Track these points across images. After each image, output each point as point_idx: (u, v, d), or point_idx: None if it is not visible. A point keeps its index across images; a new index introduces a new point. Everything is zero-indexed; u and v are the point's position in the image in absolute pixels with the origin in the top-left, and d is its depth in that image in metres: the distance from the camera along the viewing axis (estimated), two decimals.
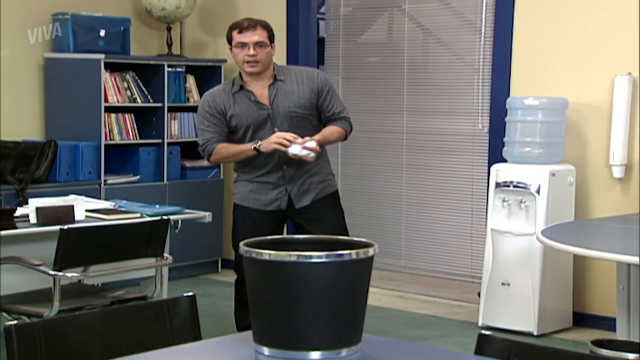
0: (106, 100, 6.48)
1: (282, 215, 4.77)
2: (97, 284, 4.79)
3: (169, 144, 6.83)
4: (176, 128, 6.91)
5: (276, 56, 4.85)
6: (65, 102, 6.58)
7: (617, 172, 5.56)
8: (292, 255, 2.22)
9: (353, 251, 2.25)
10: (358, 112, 6.69)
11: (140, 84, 6.74)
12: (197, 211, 5.01)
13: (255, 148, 4.60)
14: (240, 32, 4.64)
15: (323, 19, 7.38)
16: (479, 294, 5.78)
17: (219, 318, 5.65)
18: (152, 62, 6.81)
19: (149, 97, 6.77)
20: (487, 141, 6.24)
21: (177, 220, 4.78)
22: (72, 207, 4.46)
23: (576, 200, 5.64)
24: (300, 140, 4.52)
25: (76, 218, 4.46)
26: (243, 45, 4.63)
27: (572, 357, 2.30)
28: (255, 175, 4.73)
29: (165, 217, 4.44)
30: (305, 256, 2.21)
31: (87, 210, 4.62)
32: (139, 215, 4.70)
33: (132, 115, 6.69)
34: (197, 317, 2.68)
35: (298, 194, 4.72)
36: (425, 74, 6.72)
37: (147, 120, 6.78)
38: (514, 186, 5.51)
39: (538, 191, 5.43)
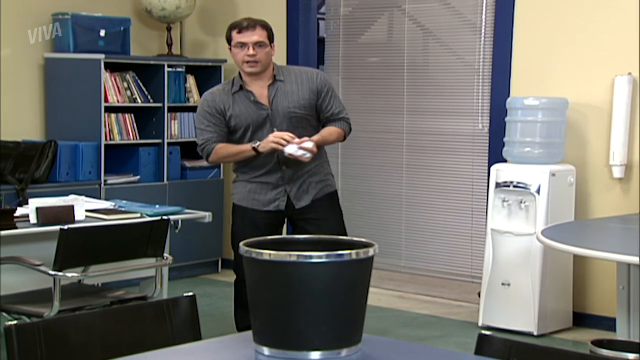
0: (106, 100, 6.48)
1: (281, 215, 4.77)
2: (97, 284, 4.79)
3: (169, 144, 6.83)
4: (176, 128, 6.91)
5: (276, 56, 4.85)
6: (65, 102, 6.58)
7: (617, 172, 5.56)
8: (292, 255, 2.22)
9: (353, 251, 2.25)
10: (358, 112, 6.69)
11: (140, 84, 6.74)
12: (197, 211, 5.01)
13: (254, 148, 4.60)
14: (239, 32, 4.64)
15: (323, 19, 7.38)
16: (479, 294, 5.78)
17: (219, 318, 5.65)
18: (152, 62, 6.81)
19: (149, 97, 6.77)
20: (487, 141, 6.24)
21: (177, 220, 4.78)
22: (72, 207, 4.46)
23: (576, 200, 5.64)
24: (297, 140, 4.52)
25: (76, 218, 4.46)
26: (242, 45, 4.62)
27: (572, 357, 2.30)
28: (254, 175, 4.73)
29: (165, 217, 4.44)
30: (305, 256, 2.21)
31: (87, 210, 4.62)
32: (139, 215, 4.70)
33: (132, 115, 6.69)
34: (197, 317, 2.68)
35: (297, 194, 4.72)
36: (426, 74, 6.72)
37: (147, 120, 6.78)
38: (514, 186, 5.51)
39: (538, 191, 5.43)
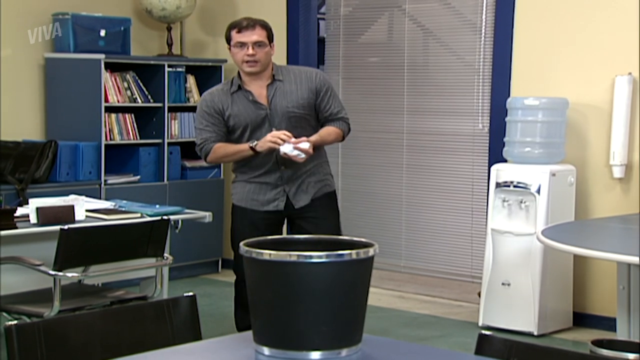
0: (106, 100, 6.48)
1: (280, 215, 4.76)
2: (98, 284, 4.79)
3: (169, 144, 6.83)
4: (176, 128, 6.91)
5: (276, 56, 4.84)
6: (65, 102, 6.58)
7: (618, 172, 5.56)
8: (292, 255, 2.22)
9: (353, 251, 2.25)
10: (358, 112, 6.69)
11: (141, 84, 6.74)
12: (197, 211, 5.01)
13: (251, 147, 4.59)
14: (239, 31, 4.63)
15: (323, 19, 7.38)
16: (479, 294, 5.78)
17: (219, 318, 5.65)
18: (152, 62, 6.81)
19: (149, 97, 6.77)
20: (488, 141, 6.24)
21: (178, 220, 4.78)
22: (73, 207, 4.47)
23: (576, 200, 5.64)
24: (293, 140, 4.50)
25: (76, 218, 4.46)
26: (242, 44, 4.62)
27: (572, 357, 2.30)
28: (253, 175, 4.72)
29: (165, 217, 4.44)
30: (306, 256, 2.21)
31: (87, 210, 4.63)
32: (139, 215, 4.70)
33: (133, 115, 6.69)
34: (197, 317, 2.68)
35: (296, 194, 4.71)
36: (426, 74, 6.72)
37: (148, 120, 6.78)
38: (514, 186, 5.51)
39: (538, 191, 5.43)
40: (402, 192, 6.80)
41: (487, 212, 5.79)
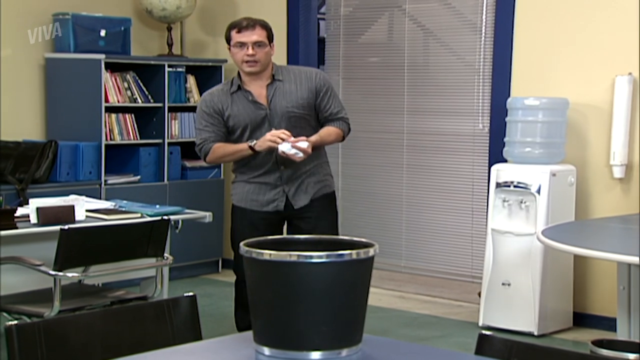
0: (106, 101, 6.48)
1: (280, 216, 4.74)
2: (98, 284, 4.79)
3: (169, 144, 6.83)
4: (176, 128, 6.91)
5: (276, 56, 4.84)
6: (65, 102, 6.58)
7: (618, 172, 5.56)
8: (292, 255, 2.22)
9: (353, 251, 2.25)
10: (358, 112, 6.69)
11: (141, 84, 6.74)
12: (197, 211, 5.01)
13: (250, 147, 4.58)
14: (239, 31, 4.63)
15: (323, 19, 7.38)
16: (479, 294, 5.78)
17: (220, 318, 5.65)
18: (152, 62, 6.81)
19: (150, 97, 6.77)
20: (488, 141, 6.24)
21: (178, 221, 4.78)
22: (73, 207, 4.47)
23: (577, 201, 5.63)
24: (292, 139, 4.50)
25: (76, 218, 4.46)
26: (242, 44, 4.62)
27: (573, 357, 2.30)
28: (253, 175, 4.72)
29: (165, 217, 4.44)
30: (306, 256, 2.21)
31: (87, 211, 4.62)
32: (139, 215, 4.70)
33: (133, 115, 6.69)
34: (197, 317, 2.68)
35: (295, 194, 4.70)
36: (426, 74, 6.72)
37: (148, 121, 6.78)
38: (515, 186, 5.51)
39: (538, 191, 5.43)
40: (403, 192, 6.80)
41: (487, 212, 5.79)
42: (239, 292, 4.84)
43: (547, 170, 5.46)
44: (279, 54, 6.12)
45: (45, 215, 4.36)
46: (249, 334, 2.33)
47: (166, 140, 6.78)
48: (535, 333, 5.45)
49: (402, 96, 6.77)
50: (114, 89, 6.57)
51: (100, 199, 5.83)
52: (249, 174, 4.72)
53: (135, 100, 6.69)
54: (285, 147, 4.46)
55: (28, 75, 6.61)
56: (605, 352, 3.66)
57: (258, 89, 4.67)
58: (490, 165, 5.83)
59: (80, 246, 4.08)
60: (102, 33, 6.66)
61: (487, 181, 5.94)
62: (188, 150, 6.85)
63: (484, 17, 6.29)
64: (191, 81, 7.03)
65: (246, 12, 6.46)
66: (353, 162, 7.04)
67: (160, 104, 6.76)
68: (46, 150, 6.21)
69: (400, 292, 6.51)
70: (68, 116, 6.57)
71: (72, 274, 4.13)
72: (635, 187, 5.55)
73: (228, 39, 4.68)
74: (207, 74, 7.05)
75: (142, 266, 4.50)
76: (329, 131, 4.70)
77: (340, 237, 2.52)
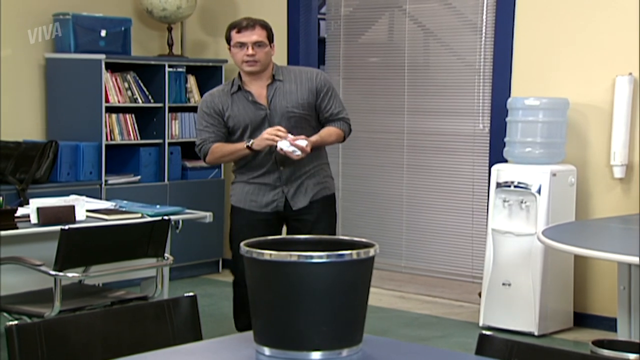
0: (107, 101, 6.48)
1: (278, 217, 4.73)
2: (98, 284, 4.79)
3: (169, 144, 6.83)
4: (177, 128, 6.91)
5: (277, 57, 4.84)
6: (66, 103, 6.58)
7: (618, 173, 5.56)
8: (292, 256, 2.22)
9: (354, 251, 2.25)
10: (359, 112, 6.69)
11: (141, 84, 6.74)
12: (197, 211, 5.01)
13: (248, 147, 4.58)
14: (238, 31, 4.63)
15: (324, 19, 7.38)
16: (479, 294, 5.78)
17: (220, 318, 5.65)
18: (152, 62, 6.81)
19: (150, 97, 6.77)
20: (488, 141, 6.24)
21: (178, 221, 4.78)
22: (73, 207, 4.47)
23: (577, 201, 5.63)
24: (291, 137, 4.48)
25: (77, 218, 4.46)
26: (242, 45, 4.61)
27: (573, 358, 2.30)
28: (252, 176, 4.71)
29: (166, 218, 4.44)
30: (306, 256, 2.21)
31: (87, 211, 4.62)
32: (139, 215, 4.70)
33: (133, 115, 6.69)
34: (197, 317, 2.68)
35: (295, 195, 4.68)
36: (426, 74, 6.72)
37: (148, 121, 6.78)
38: (515, 186, 5.51)
39: (539, 191, 5.43)
40: (403, 192, 6.80)
41: (487, 212, 5.79)
42: (237, 293, 4.84)
43: (548, 170, 5.46)
44: (279, 54, 6.12)
45: (46, 216, 4.37)
46: (250, 334, 2.33)
47: (166, 141, 6.78)
48: (536, 333, 5.45)
49: (402, 96, 6.77)
50: (115, 89, 6.57)
51: (100, 199, 5.83)
52: (249, 174, 4.72)
53: (135, 101, 6.69)
54: (284, 145, 4.45)
55: (28, 76, 6.62)
56: (605, 352, 3.66)
57: (258, 89, 4.67)
58: (490, 165, 5.83)
59: (80, 246, 4.08)
60: (103, 33, 6.66)
61: (487, 181, 5.94)
62: (188, 150, 6.85)
63: (484, 17, 6.29)
64: (191, 81, 7.03)
65: (246, 12, 6.45)
66: (353, 162, 7.04)
67: (160, 104, 6.76)
68: (46, 151, 6.21)
69: (400, 292, 6.52)
70: (68, 116, 6.58)
71: (72, 274, 4.13)
72: (636, 187, 5.55)
73: (228, 39, 4.68)
74: (208, 74, 7.05)
75: (142, 266, 4.50)
76: (329, 131, 4.69)
77: (341, 237, 2.51)
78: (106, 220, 4.55)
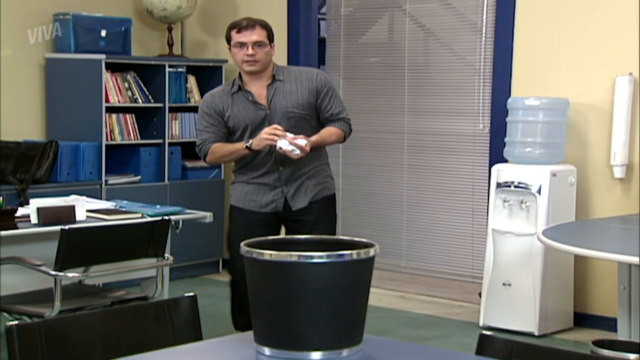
0: (107, 101, 6.48)
1: (277, 217, 4.72)
2: (98, 284, 4.79)
3: (169, 144, 6.83)
4: (177, 128, 6.91)
5: (277, 57, 4.83)
6: (66, 103, 6.58)
7: (618, 173, 5.56)
8: (293, 256, 2.22)
9: (354, 251, 2.25)
10: (359, 112, 6.69)
11: (141, 84, 6.74)
12: (198, 211, 5.01)
13: (247, 147, 4.57)
14: (238, 31, 4.62)
15: (324, 19, 7.38)
16: (479, 294, 5.78)
17: (220, 318, 5.64)
18: (153, 62, 6.81)
19: (150, 97, 6.77)
20: (488, 141, 6.24)
21: (178, 221, 4.78)
22: (73, 207, 4.47)
23: (577, 201, 5.63)
24: (291, 136, 4.48)
25: (77, 218, 4.46)
26: (242, 44, 4.61)
27: (573, 358, 2.30)
28: (252, 176, 4.70)
29: (166, 218, 4.44)
30: (306, 256, 2.21)
31: (88, 211, 4.62)
32: (140, 215, 4.70)
33: (133, 115, 6.69)
34: (198, 317, 2.68)
35: (294, 195, 4.67)
36: (426, 74, 6.72)
37: (148, 121, 6.78)
38: (515, 186, 5.51)
39: (539, 191, 5.43)
40: (403, 193, 6.80)
41: (487, 212, 5.79)
42: (234, 291, 4.83)
43: (548, 170, 5.46)
44: (280, 54, 6.11)
45: (46, 216, 4.37)
46: (250, 334, 2.33)
47: (167, 141, 6.78)
48: (536, 333, 5.45)
49: (402, 96, 6.77)
50: (115, 89, 6.57)
51: (100, 199, 5.83)
52: (249, 174, 4.71)
53: (135, 101, 6.69)
54: (283, 144, 4.45)
55: (28, 76, 6.62)
56: (606, 352, 3.66)
57: (258, 89, 4.66)
58: (490, 166, 5.83)
59: (80, 246, 4.08)
60: (103, 33, 6.66)
61: (487, 181, 5.94)
62: (188, 150, 6.85)
63: (484, 17, 6.29)
64: (192, 81, 7.03)
65: (246, 12, 6.45)
66: (353, 163, 7.04)
67: (160, 104, 6.76)
68: (47, 151, 6.21)
69: (400, 292, 6.52)
70: (68, 116, 6.58)
71: (72, 274, 4.13)
72: (636, 187, 5.55)
73: (228, 39, 4.68)
74: (208, 74, 7.05)
75: (142, 266, 4.50)
76: (329, 131, 4.68)
77: (341, 237, 2.51)
78: (106, 220, 4.55)
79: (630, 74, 5.51)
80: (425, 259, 6.73)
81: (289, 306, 2.23)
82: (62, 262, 4.03)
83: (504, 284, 5.54)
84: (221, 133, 4.67)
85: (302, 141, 4.46)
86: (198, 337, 2.64)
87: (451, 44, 6.57)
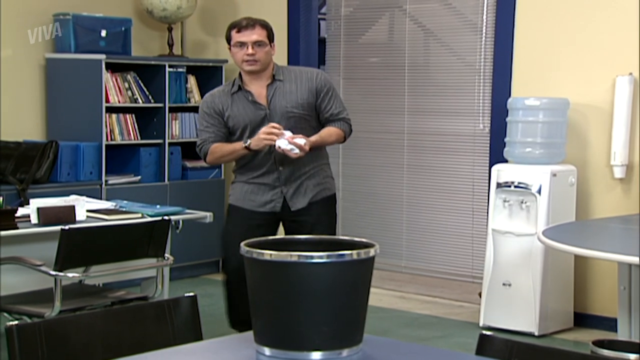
0: (107, 101, 6.48)
1: (276, 217, 4.71)
2: (98, 285, 4.78)
3: (170, 144, 6.83)
4: (177, 128, 6.92)
5: (277, 57, 4.83)
6: (66, 103, 6.58)
7: (618, 173, 5.56)
8: (293, 256, 2.22)
9: (354, 251, 2.25)
10: (359, 112, 6.69)
11: (142, 84, 6.74)
12: (198, 211, 5.00)
13: (245, 147, 4.57)
14: (238, 31, 4.62)
15: (324, 19, 7.38)
16: (479, 295, 5.78)
17: (220, 318, 5.63)
18: (153, 62, 6.81)
19: (150, 97, 6.77)
20: (488, 141, 6.24)
21: (178, 221, 4.78)
22: (73, 207, 4.47)
23: (577, 201, 5.63)
24: (290, 135, 4.47)
25: (77, 218, 4.46)
26: (242, 44, 4.61)
27: (574, 358, 2.30)
28: (252, 176, 4.70)
29: (166, 218, 4.44)
30: (307, 256, 2.21)
31: (88, 211, 4.62)
32: (140, 215, 4.70)
33: (133, 115, 6.69)
34: (198, 318, 2.68)
35: (293, 196, 4.66)
36: (426, 74, 6.72)
37: (148, 121, 6.78)
38: (515, 186, 5.51)
39: (539, 191, 5.43)
40: (403, 193, 6.80)
41: (487, 212, 5.79)
42: (229, 291, 4.81)
43: (548, 170, 5.46)
44: (280, 54, 6.11)
45: (46, 216, 4.37)
46: (250, 334, 2.33)
47: (167, 141, 6.78)
48: (536, 333, 5.45)
49: (402, 96, 6.77)
50: (115, 89, 6.57)
51: (100, 199, 5.83)
52: (248, 174, 4.71)
53: (135, 101, 6.69)
54: (282, 143, 4.44)
55: (28, 76, 6.62)
56: (606, 352, 3.66)
57: (258, 89, 4.66)
58: (490, 166, 5.83)
59: (80, 246, 4.08)
60: (103, 33, 6.66)
61: (487, 181, 5.94)
62: (189, 150, 6.85)
63: (484, 17, 6.29)
64: (192, 81, 7.03)
65: (246, 12, 6.45)
66: (353, 163, 7.04)
67: (160, 104, 6.76)
68: (47, 151, 6.21)
69: (400, 293, 6.51)
70: (69, 116, 6.58)
71: (72, 274, 4.13)
72: (636, 187, 5.55)
73: (228, 39, 4.68)
74: (208, 74, 7.05)
75: (142, 266, 4.50)
76: (329, 132, 4.68)
77: (341, 237, 2.51)
78: (106, 220, 4.55)
79: (630, 74, 5.51)
80: (425, 259, 6.73)
81: (289, 306, 2.23)
82: (62, 262, 4.03)
83: (504, 284, 5.54)
84: (221, 133, 4.67)
85: (301, 140, 4.45)
86: (198, 337, 2.64)
87: (451, 44, 6.57)
